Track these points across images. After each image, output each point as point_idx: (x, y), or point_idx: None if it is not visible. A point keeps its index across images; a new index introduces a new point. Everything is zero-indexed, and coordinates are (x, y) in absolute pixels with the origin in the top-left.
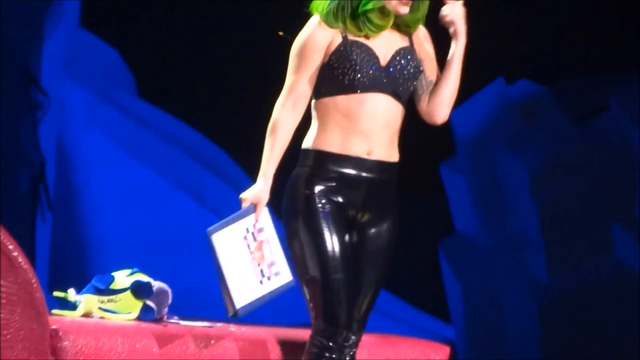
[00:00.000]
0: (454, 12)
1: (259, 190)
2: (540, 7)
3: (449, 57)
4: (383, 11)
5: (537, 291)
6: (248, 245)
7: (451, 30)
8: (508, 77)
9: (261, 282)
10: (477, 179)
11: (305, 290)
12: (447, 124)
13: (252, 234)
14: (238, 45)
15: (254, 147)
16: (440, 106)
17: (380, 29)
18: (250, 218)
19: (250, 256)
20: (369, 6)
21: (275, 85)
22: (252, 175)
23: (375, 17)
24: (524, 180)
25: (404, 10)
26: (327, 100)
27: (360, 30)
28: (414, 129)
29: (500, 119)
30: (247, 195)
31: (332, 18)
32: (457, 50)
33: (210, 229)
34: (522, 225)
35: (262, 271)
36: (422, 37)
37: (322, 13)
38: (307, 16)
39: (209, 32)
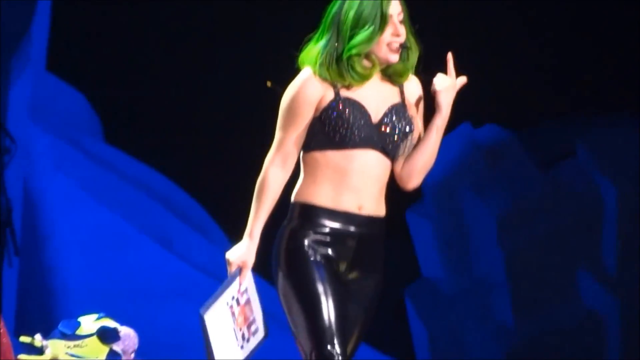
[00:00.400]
0: (443, 85)
1: (245, 251)
2: (508, 52)
3: (429, 127)
4: (369, 59)
5: (502, 336)
6: (232, 313)
7: (436, 100)
8: (475, 122)
9: (242, 346)
10: (443, 224)
11: (299, 334)
12: None
13: (237, 299)
14: (204, 91)
15: (221, 192)
16: (413, 175)
17: (363, 78)
18: (236, 283)
19: (234, 324)
20: (354, 51)
21: (241, 131)
22: (218, 219)
23: (359, 65)
24: (491, 225)
25: (394, 58)
26: (317, 154)
27: (343, 78)
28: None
29: (467, 163)
30: (233, 258)
31: (322, 68)
32: (437, 122)
33: (202, 309)
34: (488, 271)
35: (243, 335)
36: (414, 91)
37: (313, 62)
38: (290, 64)
39: (176, 77)
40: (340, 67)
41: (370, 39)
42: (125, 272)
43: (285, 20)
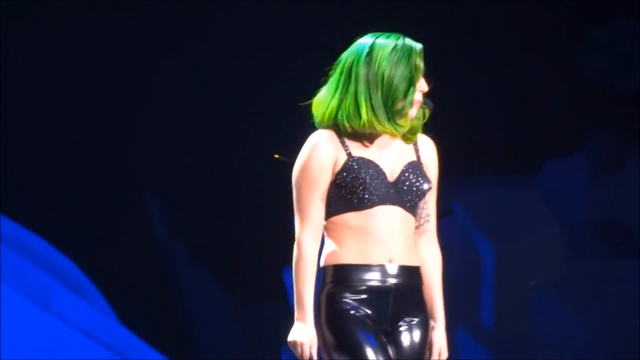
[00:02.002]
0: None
1: (311, 331)
2: None
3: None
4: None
5: None
6: None
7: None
8: None
9: None
10: (319, 284)
11: None
12: (290, 227)
13: None
14: (75, 153)
15: (100, 252)
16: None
17: (401, 130)
18: None
19: None
20: (408, 106)
21: (117, 189)
22: (95, 279)
23: (399, 117)
24: None
25: (414, 113)
26: (337, 219)
27: (384, 128)
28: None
29: None
30: (305, 340)
31: (354, 119)
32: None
33: None
34: None
35: None
36: (429, 151)
37: (337, 112)
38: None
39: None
40: (382, 118)
41: (411, 93)
42: (1, 334)
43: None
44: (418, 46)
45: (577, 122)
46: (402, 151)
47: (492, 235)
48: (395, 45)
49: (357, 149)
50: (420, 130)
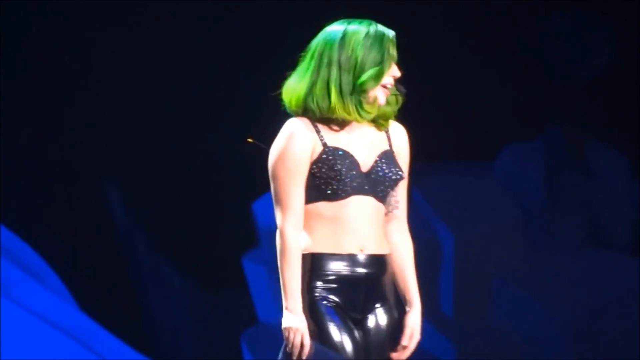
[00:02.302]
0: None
1: (300, 319)
2: None
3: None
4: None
5: None
6: None
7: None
8: None
9: None
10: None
11: None
12: (250, 215)
13: None
14: (37, 135)
15: (58, 238)
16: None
17: (367, 116)
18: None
19: None
20: (365, 86)
21: (77, 176)
22: (54, 265)
23: (366, 104)
24: None
25: (383, 99)
26: (310, 207)
27: (348, 114)
28: (218, 220)
29: None
30: (300, 326)
31: (323, 101)
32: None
33: None
34: None
35: None
36: (401, 140)
37: (305, 95)
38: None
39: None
40: (348, 102)
41: (378, 76)
42: None
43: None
44: (391, 33)
45: (535, 109)
46: (375, 140)
47: (451, 222)
48: (368, 31)
49: (332, 138)
50: (392, 116)
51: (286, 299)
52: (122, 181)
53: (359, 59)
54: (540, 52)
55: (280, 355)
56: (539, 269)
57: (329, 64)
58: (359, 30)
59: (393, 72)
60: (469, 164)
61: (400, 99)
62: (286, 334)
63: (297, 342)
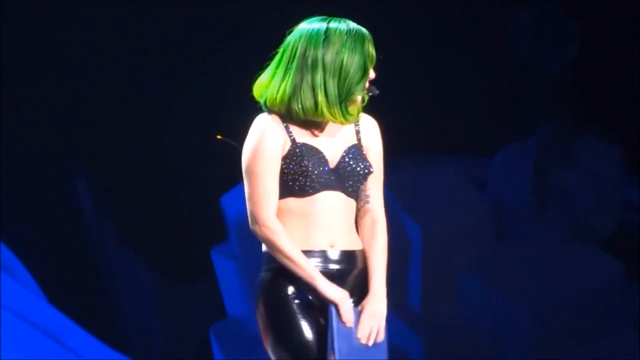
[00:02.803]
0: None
1: (335, 288)
2: None
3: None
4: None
5: None
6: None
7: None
8: None
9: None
10: (248, 264)
11: None
12: (219, 208)
13: None
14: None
15: (26, 231)
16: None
17: (351, 119)
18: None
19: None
20: (358, 93)
21: (48, 171)
22: (23, 258)
23: (353, 108)
24: None
25: (360, 99)
26: (280, 204)
27: (334, 117)
28: (187, 214)
29: None
30: (342, 294)
31: (304, 104)
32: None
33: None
34: None
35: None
36: (371, 131)
37: (282, 97)
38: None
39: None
40: (335, 107)
41: (364, 81)
42: None
43: None
44: (367, 32)
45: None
46: (342, 134)
47: (418, 216)
48: (349, 31)
49: (300, 135)
50: (358, 113)
51: (312, 277)
52: (91, 174)
53: (344, 63)
54: (513, 48)
55: (332, 326)
56: (507, 264)
57: (314, 66)
58: (340, 29)
59: (371, 74)
60: (437, 157)
61: (366, 97)
62: (339, 303)
63: (349, 308)
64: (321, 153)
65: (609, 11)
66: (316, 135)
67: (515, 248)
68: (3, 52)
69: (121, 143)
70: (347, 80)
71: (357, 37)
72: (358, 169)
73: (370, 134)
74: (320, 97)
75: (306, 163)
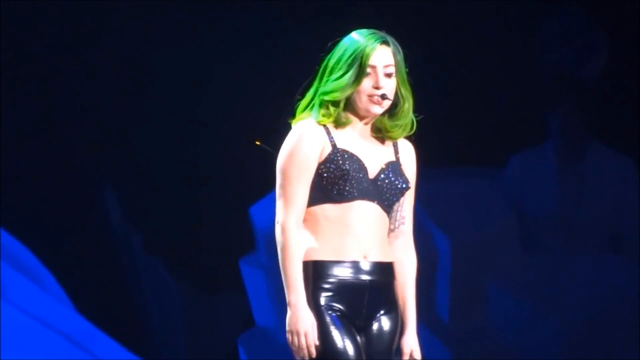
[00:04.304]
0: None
1: (305, 319)
2: None
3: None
4: (351, 109)
5: None
6: None
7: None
8: None
9: None
10: (277, 274)
11: None
12: (248, 219)
13: None
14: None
15: (54, 240)
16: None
17: (343, 124)
18: None
19: None
20: (327, 97)
21: (73, 178)
22: (51, 267)
23: (325, 109)
24: None
25: (375, 110)
26: (315, 209)
27: (337, 123)
28: (216, 224)
29: None
30: (307, 328)
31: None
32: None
33: None
34: None
35: None
36: (408, 157)
37: (302, 108)
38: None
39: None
40: (317, 107)
41: (343, 88)
42: None
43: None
44: (378, 42)
45: (537, 113)
46: (382, 150)
47: (447, 227)
48: (354, 39)
49: (342, 142)
50: (398, 129)
51: (289, 293)
52: (120, 183)
53: (329, 68)
54: (540, 55)
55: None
56: (536, 277)
57: (320, 74)
58: (350, 37)
59: (373, 82)
60: (466, 169)
61: (402, 111)
62: (289, 337)
63: (302, 345)
64: (361, 161)
65: (635, 20)
66: (357, 145)
67: (543, 259)
68: (30, 58)
69: (149, 152)
70: (330, 82)
71: (359, 44)
72: (397, 182)
73: (407, 156)
74: (307, 98)
75: (347, 167)
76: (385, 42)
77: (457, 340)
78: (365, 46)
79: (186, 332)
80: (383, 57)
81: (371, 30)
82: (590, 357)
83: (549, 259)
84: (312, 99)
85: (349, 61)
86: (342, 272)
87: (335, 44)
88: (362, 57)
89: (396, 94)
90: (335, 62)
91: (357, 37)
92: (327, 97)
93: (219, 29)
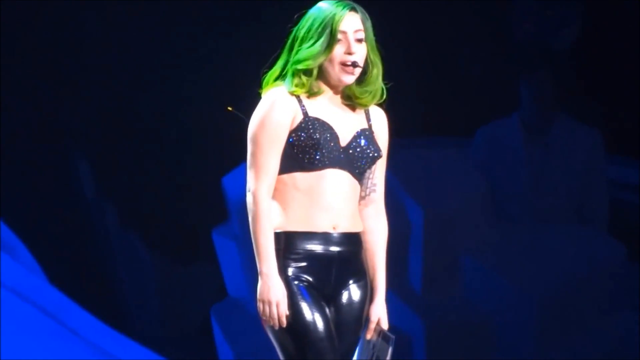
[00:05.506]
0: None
1: (276, 288)
2: None
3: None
4: (323, 77)
5: None
6: None
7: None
8: None
9: None
10: (250, 245)
11: None
12: (220, 189)
13: None
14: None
15: (27, 211)
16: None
17: (315, 93)
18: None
19: None
20: (300, 66)
21: (43, 147)
22: (24, 238)
23: (298, 78)
24: None
25: (347, 78)
26: (285, 178)
27: (309, 93)
28: (188, 194)
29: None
30: (279, 297)
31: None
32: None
33: None
34: None
35: None
36: (380, 124)
37: (272, 78)
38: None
39: None
40: (289, 77)
41: (315, 55)
42: None
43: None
44: (346, 9)
45: (507, 83)
46: (354, 117)
47: (420, 199)
48: (322, 8)
49: (313, 109)
50: (368, 95)
51: (260, 262)
52: (92, 155)
53: (300, 38)
54: (512, 24)
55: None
56: (508, 247)
57: (289, 45)
58: (316, 8)
59: (345, 49)
60: (439, 139)
61: (372, 77)
62: (260, 306)
63: (274, 314)
64: (332, 129)
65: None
66: (328, 113)
67: (516, 231)
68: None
69: (121, 124)
70: (301, 50)
71: (328, 12)
72: (368, 151)
73: (380, 124)
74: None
75: (318, 136)
76: (353, 9)
77: (429, 310)
78: (335, 13)
79: (159, 302)
80: (353, 23)
81: (338, 0)
82: (561, 324)
83: (518, 229)
84: (282, 70)
85: (319, 29)
86: (311, 244)
87: (302, 15)
88: (332, 24)
89: (365, 60)
90: (306, 31)
91: (325, 6)
92: (300, 66)
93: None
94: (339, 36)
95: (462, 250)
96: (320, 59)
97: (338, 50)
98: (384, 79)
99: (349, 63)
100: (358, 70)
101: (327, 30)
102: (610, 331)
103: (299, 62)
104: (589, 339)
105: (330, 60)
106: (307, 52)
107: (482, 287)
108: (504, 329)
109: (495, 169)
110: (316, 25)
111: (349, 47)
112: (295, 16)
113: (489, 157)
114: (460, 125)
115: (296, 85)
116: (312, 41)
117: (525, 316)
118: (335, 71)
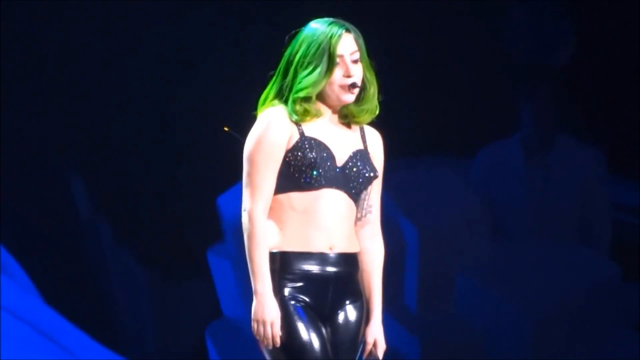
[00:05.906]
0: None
1: (271, 308)
2: None
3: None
4: (322, 99)
5: None
6: None
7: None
8: None
9: None
10: (244, 265)
11: None
12: (215, 209)
13: None
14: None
15: (23, 230)
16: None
17: (305, 117)
18: None
19: None
20: (302, 94)
21: (35, 170)
22: (19, 258)
23: (299, 106)
24: None
25: (348, 98)
26: (282, 198)
27: (297, 115)
28: (183, 214)
29: None
30: (272, 317)
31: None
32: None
33: None
34: None
35: None
36: (375, 144)
37: (267, 101)
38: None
39: None
40: (290, 102)
41: (316, 83)
42: None
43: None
44: (341, 30)
45: (506, 103)
46: (350, 138)
47: (415, 218)
48: (315, 30)
49: (310, 129)
50: (364, 114)
51: (256, 281)
52: (87, 174)
53: (297, 63)
54: (508, 44)
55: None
56: (504, 265)
57: (282, 70)
58: (313, 27)
59: (344, 72)
60: (434, 158)
61: (368, 96)
62: (255, 326)
63: (267, 334)
64: (329, 149)
65: (606, 13)
66: (325, 133)
67: (512, 250)
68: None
69: (117, 142)
70: (298, 73)
71: (324, 33)
72: (364, 171)
73: (375, 144)
74: (275, 94)
75: (314, 155)
76: (347, 30)
77: (425, 329)
78: (330, 36)
79: (154, 322)
80: (348, 45)
81: (329, 20)
82: (558, 345)
83: (516, 248)
84: (277, 93)
85: (316, 54)
86: (308, 265)
87: (292, 36)
88: (329, 49)
89: (362, 79)
90: (301, 56)
91: (318, 28)
92: (301, 94)
93: (187, 18)
94: (337, 60)
95: (457, 269)
96: (321, 86)
97: (337, 74)
98: (378, 96)
99: (348, 85)
100: (357, 90)
101: (325, 56)
102: (608, 351)
103: (300, 90)
104: (584, 359)
105: (330, 84)
106: (307, 80)
107: (477, 306)
108: (500, 348)
109: (496, 190)
110: (313, 50)
111: (347, 70)
112: (287, 37)
113: (489, 177)
114: (455, 145)
115: (301, 114)
116: (310, 68)
117: (521, 335)
118: (334, 93)
